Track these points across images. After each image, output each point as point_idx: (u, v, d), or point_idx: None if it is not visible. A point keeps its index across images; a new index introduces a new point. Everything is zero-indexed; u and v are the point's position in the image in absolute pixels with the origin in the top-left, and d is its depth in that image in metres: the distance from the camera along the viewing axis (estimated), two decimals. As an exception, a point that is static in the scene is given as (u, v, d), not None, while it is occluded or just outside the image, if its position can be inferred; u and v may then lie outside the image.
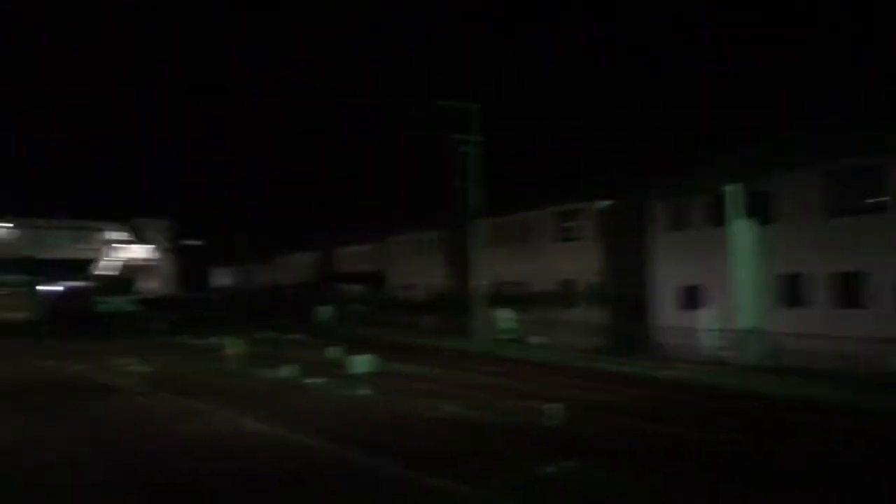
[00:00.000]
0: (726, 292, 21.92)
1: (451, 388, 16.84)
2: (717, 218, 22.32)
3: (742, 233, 21.51)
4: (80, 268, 74.42)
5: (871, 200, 18.68)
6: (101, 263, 79.33)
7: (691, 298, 23.26)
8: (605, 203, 27.88)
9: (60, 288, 48.63)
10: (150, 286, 76.92)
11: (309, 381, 17.98)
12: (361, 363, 17.73)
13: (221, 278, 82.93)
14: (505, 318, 29.01)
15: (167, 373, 19.83)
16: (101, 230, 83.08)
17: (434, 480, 8.97)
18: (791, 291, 20.48)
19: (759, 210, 21.16)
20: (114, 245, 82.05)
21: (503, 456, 10.42)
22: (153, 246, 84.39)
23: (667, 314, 24.01)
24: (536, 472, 9.45)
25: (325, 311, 44.46)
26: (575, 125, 39.64)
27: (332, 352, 23.80)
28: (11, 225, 76.96)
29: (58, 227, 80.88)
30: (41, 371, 21.67)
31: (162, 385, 17.62)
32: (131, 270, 70.81)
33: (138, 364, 17.22)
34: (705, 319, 22.26)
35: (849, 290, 18.93)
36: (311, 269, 62.56)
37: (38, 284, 42.37)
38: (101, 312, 44.79)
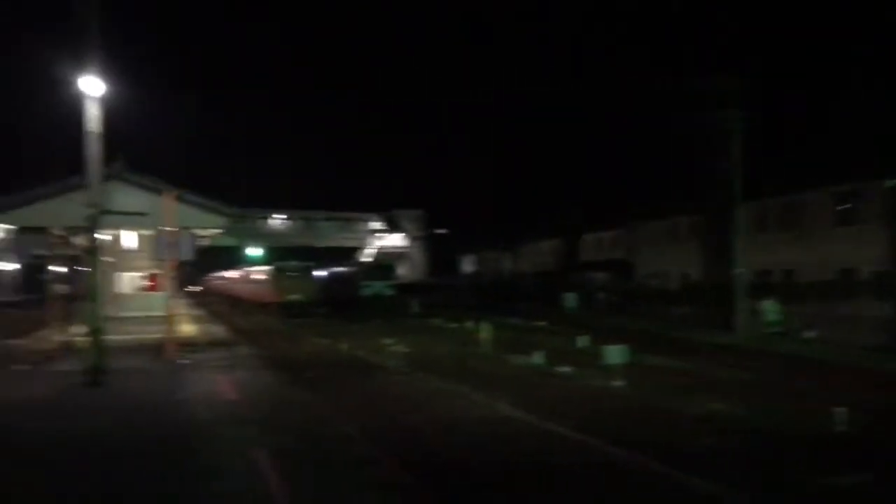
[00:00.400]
0: None
1: (713, 385, 15.54)
2: None
3: None
4: (345, 255, 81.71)
5: None
6: (364, 251, 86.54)
7: None
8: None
9: (330, 273, 53.32)
10: (404, 272, 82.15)
11: (559, 369, 17.67)
12: (613, 353, 16.98)
13: (468, 265, 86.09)
14: (772, 309, 26.43)
15: (423, 354, 20.64)
16: (363, 221, 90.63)
17: (704, 484, 8.15)
18: None
19: None
20: (374, 234, 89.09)
21: (781, 463, 9.25)
22: (406, 235, 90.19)
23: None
24: (825, 483, 8.21)
25: (570, 299, 44.04)
26: (850, 96, 35.06)
27: (581, 341, 23.35)
28: (285, 216, 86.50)
29: (327, 219, 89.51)
30: (317, 349, 23.81)
31: (419, 365, 18.36)
32: (389, 257, 76.12)
33: (397, 344, 18.05)
34: None
35: None
36: (554, 256, 62.49)
37: (313, 270, 46.67)
38: (365, 296, 48.42)
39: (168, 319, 18.44)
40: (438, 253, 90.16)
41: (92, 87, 13.22)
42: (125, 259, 32.10)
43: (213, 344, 21.59)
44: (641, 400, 13.78)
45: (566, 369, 17.52)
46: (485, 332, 22.93)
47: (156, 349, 19.13)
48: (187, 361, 16.84)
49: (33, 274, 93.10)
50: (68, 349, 19.13)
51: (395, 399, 13.97)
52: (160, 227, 21.24)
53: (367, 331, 29.99)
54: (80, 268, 25.86)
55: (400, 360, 17.84)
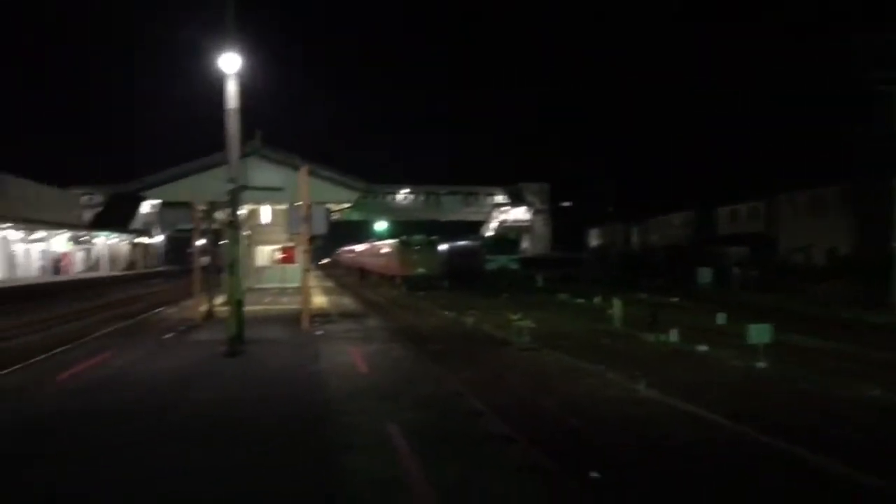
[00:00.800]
0: None
1: (868, 367, 14.21)
2: None
3: None
4: (469, 229, 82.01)
5: None
6: (488, 224, 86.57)
7: None
8: None
9: (454, 247, 53.62)
10: (527, 246, 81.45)
11: (697, 347, 16.76)
12: (757, 332, 15.88)
13: (594, 239, 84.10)
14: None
15: (550, 329, 20.20)
16: (487, 194, 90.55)
17: (868, 479, 7.35)
18: None
19: None
20: (497, 207, 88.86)
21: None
22: (530, 208, 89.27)
23: None
24: None
25: (704, 274, 42.07)
26: None
27: (719, 318, 22.16)
28: (408, 190, 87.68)
29: (450, 193, 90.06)
30: (443, 322, 23.91)
31: (547, 341, 17.94)
32: (513, 231, 75.86)
33: (523, 320, 17.71)
34: None
35: None
36: (685, 229, 59.90)
37: (438, 244, 46.97)
38: (489, 270, 48.42)
39: (302, 291, 18.95)
40: (562, 226, 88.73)
41: (231, 64, 13.60)
42: (260, 233, 33.56)
43: (344, 315, 22.07)
44: (789, 383, 12.78)
45: (704, 348, 16.62)
46: (615, 308, 22.19)
47: (290, 320, 19.75)
48: (320, 332, 17.24)
49: (176, 247, 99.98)
50: (210, 318, 20.10)
51: (525, 376, 13.69)
52: (294, 202, 21.96)
53: (492, 305, 29.83)
54: (220, 241, 27.20)
55: (527, 335, 17.49)
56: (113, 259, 68.69)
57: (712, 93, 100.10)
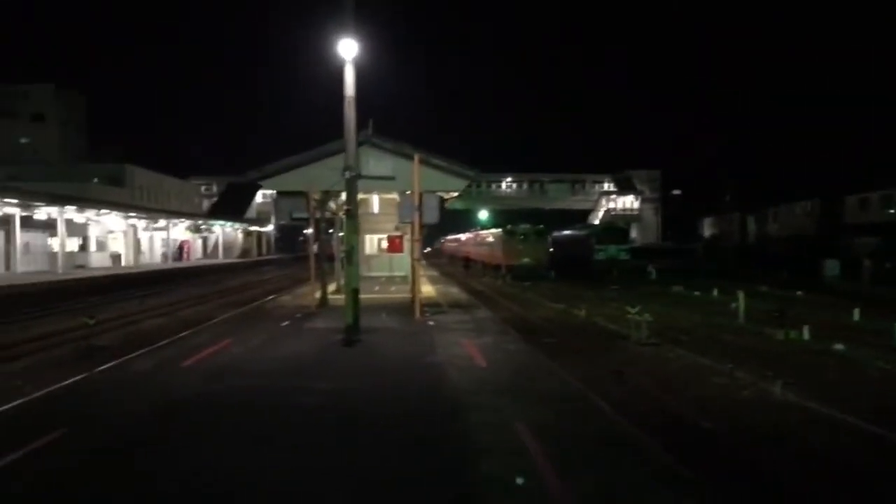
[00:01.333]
0: None
1: None
2: None
3: None
4: (574, 217, 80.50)
5: None
6: (596, 213, 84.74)
7: None
8: None
9: (560, 236, 52.65)
10: (636, 236, 79.15)
11: (833, 346, 15.50)
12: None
13: (707, 229, 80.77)
14: None
15: (668, 324, 19.29)
16: (595, 182, 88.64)
17: None
18: None
19: None
20: (606, 196, 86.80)
21: None
22: (640, 196, 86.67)
23: None
24: None
25: (831, 267, 39.44)
26: None
27: (855, 314, 20.58)
28: (511, 178, 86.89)
29: (555, 181, 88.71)
30: (554, 314, 23.31)
31: (667, 336, 17.10)
32: (622, 220, 73.91)
33: (637, 313, 16.89)
34: None
35: None
36: (809, 219, 56.41)
37: (545, 233, 46.14)
38: (598, 260, 47.17)
39: (413, 280, 18.85)
40: (673, 215, 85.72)
41: (348, 50, 13.51)
42: (368, 221, 33.89)
43: (454, 306, 21.86)
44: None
45: (840, 347, 15.36)
46: (739, 302, 20.95)
47: (401, 309, 19.71)
48: (432, 323, 17.06)
49: (286, 235, 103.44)
50: (324, 306, 20.35)
51: (647, 374, 12.98)
52: (405, 191, 21.90)
53: (602, 297, 28.95)
54: (329, 230, 27.60)
55: (644, 329, 16.68)
56: (228, 247, 71.71)
57: (838, 74, 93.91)
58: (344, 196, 22.90)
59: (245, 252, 76.21)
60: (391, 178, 17.93)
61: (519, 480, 6.20)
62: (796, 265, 44.43)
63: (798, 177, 64.89)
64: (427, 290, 27.41)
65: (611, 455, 7.04)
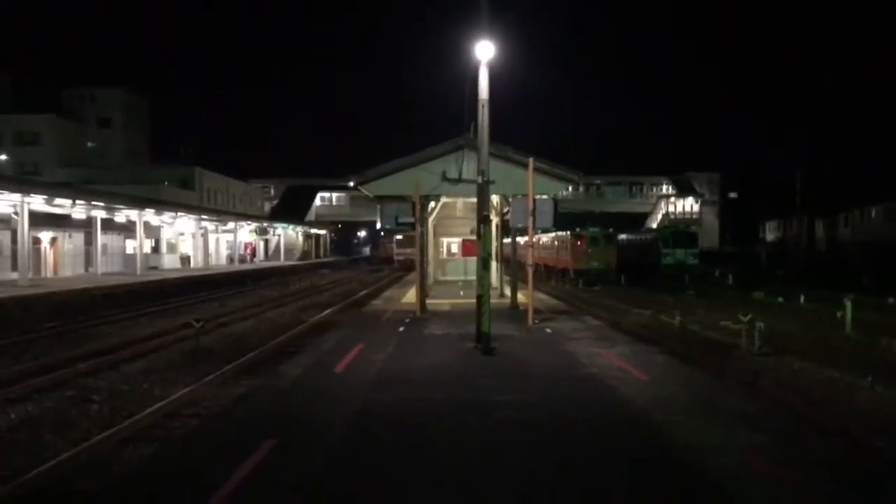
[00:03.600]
0: None
1: None
2: None
3: None
4: (632, 221, 79.47)
5: None
6: (654, 216, 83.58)
7: None
8: None
9: (628, 239, 51.91)
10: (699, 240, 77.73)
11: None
12: None
13: (769, 233, 78.88)
14: None
15: (769, 332, 18.60)
16: (653, 185, 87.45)
17: None
18: None
19: None
20: (665, 199, 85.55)
21: None
22: (699, 198, 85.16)
23: None
24: None
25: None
26: None
27: None
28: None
29: (613, 183, 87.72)
30: (647, 320, 22.74)
31: (773, 346, 16.52)
32: (682, 223, 72.54)
33: (748, 322, 16.32)
34: None
35: None
36: (884, 224, 54.52)
37: (614, 237, 45.50)
38: (664, 265, 46.35)
39: (528, 287, 18.54)
40: (733, 219, 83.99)
41: (484, 52, 13.36)
42: (445, 225, 33.88)
43: (554, 312, 21.58)
44: None
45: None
46: (846, 310, 20.18)
47: (503, 315, 19.43)
48: (549, 330, 16.80)
49: (341, 238, 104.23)
50: (424, 311, 20.26)
51: (787, 388, 12.41)
52: (504, 195, 21.72)
53: (684, 303, 28.30)
54: (412, 235, 27.53)
55: (747, 338, 16.15)
56: (288, 249, 72.58)
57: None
58: (432, 203, 23.08)
59: (305, 254, 77.04)
60: (492, 182, 17.71)
61: None
62: (877, 272, 42.99)
63: (868, 180, 62.96)
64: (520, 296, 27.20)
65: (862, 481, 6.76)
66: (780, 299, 30.01)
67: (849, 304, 20.46)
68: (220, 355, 16.46)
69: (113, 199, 36.15)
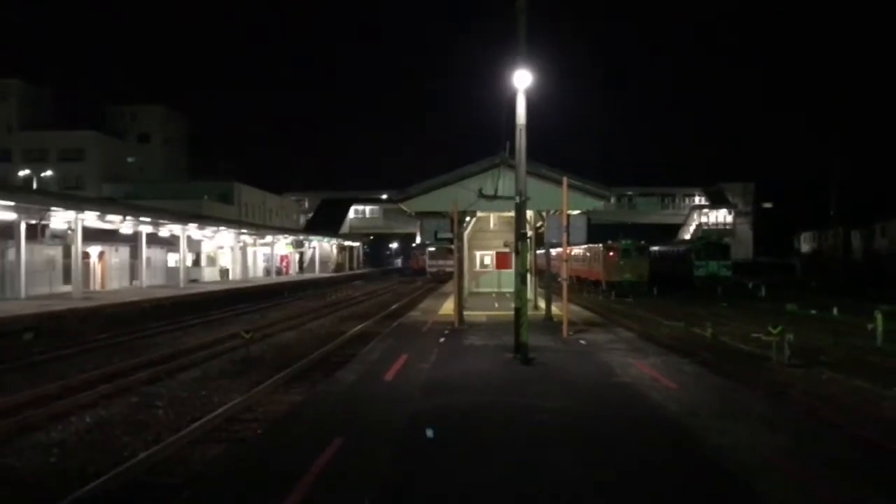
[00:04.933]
0: None
1: None
2: None
3: None
4: (667, 232, 79.38)
5: None
6: (687, 228, 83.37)
7: None
8: None
9: (660, 251, 52.06)
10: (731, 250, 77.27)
11: None
12: None
13: (804, 244, 78.12)
14: None
15: (799, 344, 18.96)
16: (685, 196, 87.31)
17: None
18: None
19: None
20: (698, 209, 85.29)
21: None
22: (733, 209, 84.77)
23: None
24: None
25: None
26: None
27: None
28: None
29: (645, 194, 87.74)
30: (679, 332, 23.29)
31: (804, 357, 16.94)
32: (715, 234, 72.30)
33: (778, 333, 16.74)
34: None
35: None
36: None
37: (647, 249, 45.73)
38: (697, 277, 46.49)
39: (563, 300, 19.09)
40: (768, 229, 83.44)
41: (522, 80, 14.12)
42: (480, 238, 34.59)
43: (588, 324, 22.15)
44: None
45: None
46: (878, 322, 20.47)
47: (540, 327, 20.03)
48: (584, 342, 17.39)
49: (373, 250, 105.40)
50: (463, 322, 20.96)
51: (814, 396, 12.91)
52: (539, 210, 22.39)
53: (715, 315, 28.66)
54: (451, 248, 28.24)
55: (779, 350, 16.58)
56: (323, 261, 73.82)
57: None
58: (468, 217, 23.82)
59: (339, 266, 78.27)
60: (527, 199, 18.38)
61: None
62: (913, 284, 42.73)
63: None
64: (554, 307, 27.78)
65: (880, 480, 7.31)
66: (813, 311, 30.18)
67: (880, 316, 20.75)
68: (269, 363, 17.38)
69: (159, 214, 37.52)
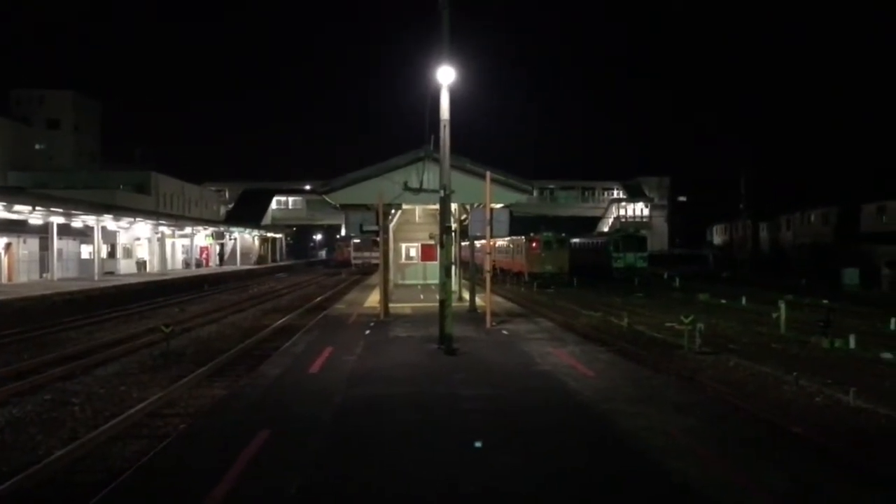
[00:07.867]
0: None
1: None
2: None
3: None
4: (586, 225, 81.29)
5: None
6: (605, 220, 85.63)
7: None
8: None
9: (576, 244, 53.35)
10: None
11: (882, 355, 16.26)
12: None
13: (716, 236, 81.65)
14: None
15: (711, 332, 19.94)
16: (604, 189, 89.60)
17: None
18: None
19: None
20: (616, 203, 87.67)
21: None
22: (649, 203, 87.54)
23: None
24: None
25: (850, 275, 40.29)
26: None
27: (892, 323, 21.36)
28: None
29: (565, 188, 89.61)
30: (597, 322, 24.05)
31: (713, 345, 17.84)
32: (632, 227, 74.61)
33: (690, 323, 17.59)
34: None
35: None
36: (824, 227, 57.24)
37: (567, 241, 46.80)
38: (615, 268, 47.99)
39: (486, 291, 19.39)
40: (682, 222, 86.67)
41: (446, 76, 14.29)
42: (405, 230, 34.70)
43: (511, 315, 22.60)
44: None
45: (889, 356, 16.11)
46: (780, 311, 21.68)
47: (464, 318, 20.29)
48: (505, 332, 17.77)
49: (296, 242, 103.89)
50: (387, 314, 21.05)
51: (722, 381, 13.66)
52: (462, 203, 22.63)
53: (632, 305, 29.69)
54: (376, 240, 28.25)
55: (691, 338, 17.43)
56: (244, 253, 72.41)
57: (853, 80, 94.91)
58: (393, 210, 23.91)
59: (261, 258, 76.91)
60: (452, 192, 18.62)
61: (711, 482, 6.85)
62: (815, 274, 45.27)
63: (810, 185, 65.80)
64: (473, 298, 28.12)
65: (780, 454, 7.89)
66: (723, 301, 31.65)
67: (783, 306, 22.02)
68: (190, 358, 17.08)
69: (72, 205, 36.04)
